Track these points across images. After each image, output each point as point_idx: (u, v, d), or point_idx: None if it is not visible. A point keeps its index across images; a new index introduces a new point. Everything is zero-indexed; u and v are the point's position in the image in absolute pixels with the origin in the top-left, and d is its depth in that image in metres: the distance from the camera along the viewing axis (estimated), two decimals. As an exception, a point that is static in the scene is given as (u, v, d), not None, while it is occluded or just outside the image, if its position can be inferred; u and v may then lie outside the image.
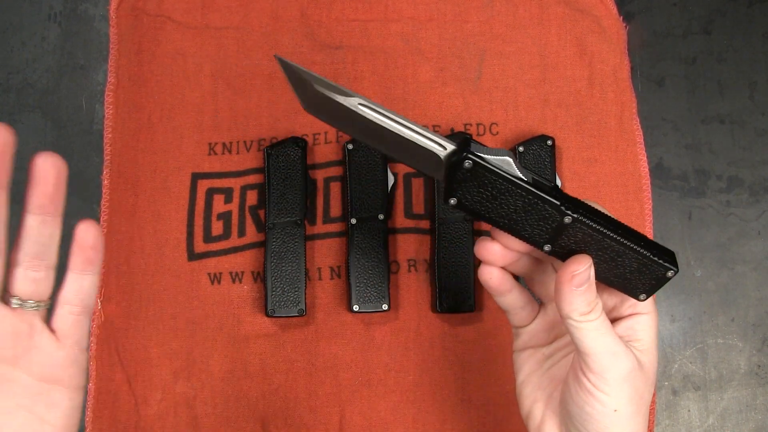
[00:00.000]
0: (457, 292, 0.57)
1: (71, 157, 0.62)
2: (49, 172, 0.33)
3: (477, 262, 0.59)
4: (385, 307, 0.57)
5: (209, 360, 0.58)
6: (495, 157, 0.33)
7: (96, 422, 0.58)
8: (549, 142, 0.58)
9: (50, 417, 0.32)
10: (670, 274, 0.36)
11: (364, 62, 0.62)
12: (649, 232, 0.60)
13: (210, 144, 0.61)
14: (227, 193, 0.60)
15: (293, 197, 0.58)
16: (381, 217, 0.57)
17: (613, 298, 0.38)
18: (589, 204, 0.36)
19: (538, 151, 0.58)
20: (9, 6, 0.64)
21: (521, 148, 0.58)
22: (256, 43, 0.62)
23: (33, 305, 0.32)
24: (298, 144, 0.58)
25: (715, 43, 0.63)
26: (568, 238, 0.35)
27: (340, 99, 0.34)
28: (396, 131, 0.34)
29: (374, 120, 0.34)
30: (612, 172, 0.60)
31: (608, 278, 0.37)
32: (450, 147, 0.34)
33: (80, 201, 0.61)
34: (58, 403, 0.32)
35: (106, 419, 0.58)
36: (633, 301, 0.37)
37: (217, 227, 0.60)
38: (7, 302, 0.31)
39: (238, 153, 0.61)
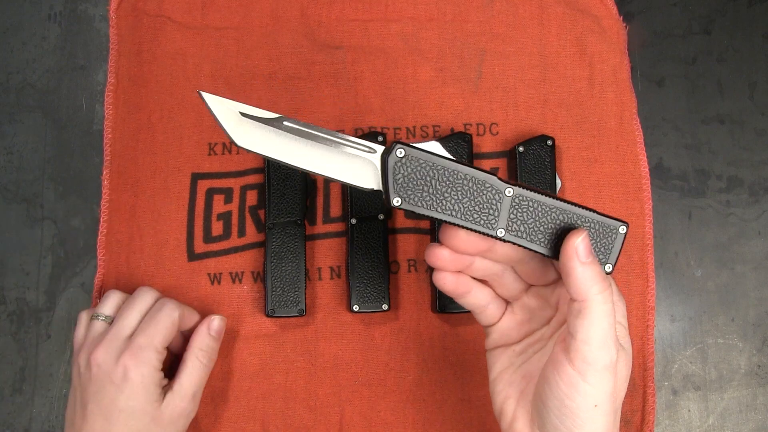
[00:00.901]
0: (457, 292, 0.57)
1: (71, 157, 0.62)
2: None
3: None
4: (385, 307, 0.57)
5: (209, 360, 0.58)
6: (423, 143, 0.35)
7: (96, 422, 0.58)
8: (549, 142, 0.58)
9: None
10: (622, 229, 0.36)
11: (364, 62, 0.62)
12: (649, 232, 0.60)
13: (210, 144, 0.61)
14: (227, 193, 0.60)
15: (293, 197, 0.58)
16: (381, 217, 0.57)
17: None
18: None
19: (538, 151, 0.58)
20: (9, 6, 0.64)
21: (521, 148, 0.58)
22: (256, 43, 0.62)
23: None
24: (298, 144, 0.58)
25: (715, 43, 0.63)
26: (517, 216, 0.35)
27: (268, 121, 0.35)
28: (325, 142, 0.34)
29: (302, 134, 0.35)
30: (612, 172, 0.60)
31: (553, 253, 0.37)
32: (379, 148, 0.35)
33: (80, 201, 0.61)
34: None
35: (106, 419, 0.58)
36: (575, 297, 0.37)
37: (217, 227, 0.60)
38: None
39: (238, 153, 0.61)
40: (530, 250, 0.36)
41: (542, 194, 0.35)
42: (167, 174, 0.60)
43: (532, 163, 0.58)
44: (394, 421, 0.58)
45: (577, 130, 0.61)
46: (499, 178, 0.35)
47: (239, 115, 0.34)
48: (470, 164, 0.35)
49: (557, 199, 0.36)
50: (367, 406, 0.58)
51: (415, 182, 0.34)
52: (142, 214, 0.60)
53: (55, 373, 0.59)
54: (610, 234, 0.36)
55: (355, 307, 0.56)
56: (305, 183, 0.58)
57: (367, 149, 0.35)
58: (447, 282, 0.40)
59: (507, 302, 0.43)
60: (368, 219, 0.58)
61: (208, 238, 0.60)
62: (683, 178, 0.61)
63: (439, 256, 0.38)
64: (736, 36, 0.63)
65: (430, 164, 0.34)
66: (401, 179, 0.34)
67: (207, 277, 0.59)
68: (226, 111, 0.34)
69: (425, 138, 0.61)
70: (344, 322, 0.59)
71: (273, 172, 0.58)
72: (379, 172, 0.34)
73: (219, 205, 0.60)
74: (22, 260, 0.60)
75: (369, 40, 0.62)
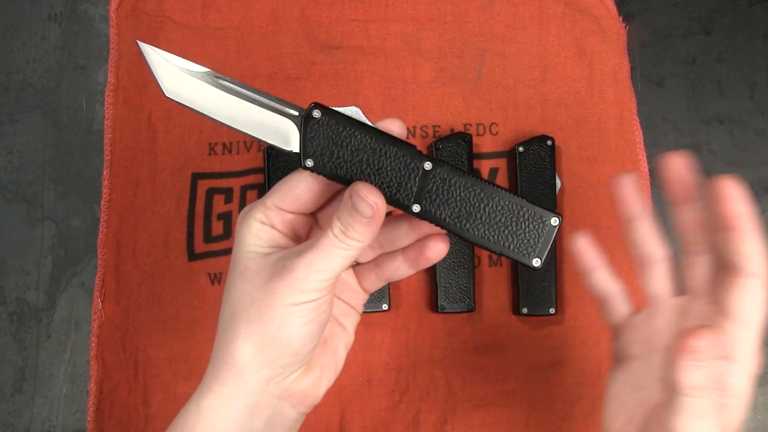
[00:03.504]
0: (457, 292, 0.57)
1: (71, 157, 0.62)
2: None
3: (477, 263, 0.59)
4: (385, 307, 0.57)
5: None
6: (343, 108, 0.34)
7: (97, 422, 0.58)
8: (549, 142, 0.58)
9: (346, 323, 0.40)
10: (553, 221, 0.34)
11: (364, 62, 0.62)
12: (648, 232, 0.60)
13: (210, 144, 0.61)
14: (227, 193, 0.60)
15: (293, 197, 0.58)
16: (381, 217, 0.57)
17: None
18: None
19: (538, 151, 0.58)
20: (9, 6, 0.64)
21: (521, 148, 0.58)
22: (256, 43, 0.62)
23: None
24: (298, 144, 0.58)
25: (715, 43, 0.63)
26: (435, 192, 0.34)
27: (194, 73, 0.34)
28: (247, 99, 0.34)
29: (227, 90, 0.34)
30: (612, 172, 0.60)
31: (492, 240, 0.34)
32: (302, 111, 0.34)
33: (80, 201, 0.61)
34: (352, 317, 0.40)
35: (107, 419, 0.58)
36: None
37: (217, 227, 0.60)
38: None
39: (238, 153, 0.61)
40: (448, 231, 0.35)
41: (466, 175, 0.34)
42: (167, 174, 0.60)
43: (532, 163, 0.58)
44: (393, 421, 0.58)
45: (577, 130, 0.61)
46: (420, 153, 0.34)
47: (173, 66, 0.34)
48: (389, 135, 0.34)
49: (486, 182, 0.34)
50: (367, 406, 0.58)
51: (330, 146, 0.34)
52: (142, 214, 0.60)
53: (55, 373, 0.59)
54: (540, 225, 0.34)
55: (355, 307, 0.56)
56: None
57: (289, 109, 0.34)
58: (580, 244, 0.39)
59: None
60: (368, 219, 0.58)
61: (208, 237, 0.60)
62: (683, 178, 0.61)
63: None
64: (736, 36, 0.63)
65: (347, 130, 0.33)
66: (316, 142, 0.34)
67: (207, 277, 0.59)
68: (161, 62, 0.34)
69: (425, 138, 0.61)
70: (344, 322, 0.59)
71: (273, 172, 0.58)
72: (298, 132, 0.34)
73: (219, 205, 0.60)
74: (22, 260, 0.60)
75: (369, 40, 0.62)
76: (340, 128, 0.33)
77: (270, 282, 0.34)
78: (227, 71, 0.61)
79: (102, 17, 0.64)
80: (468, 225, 0.34)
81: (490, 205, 0.34)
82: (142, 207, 0.60)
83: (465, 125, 0.61)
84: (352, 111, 0.34)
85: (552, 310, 0.57)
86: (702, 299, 0.36)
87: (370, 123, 0.34)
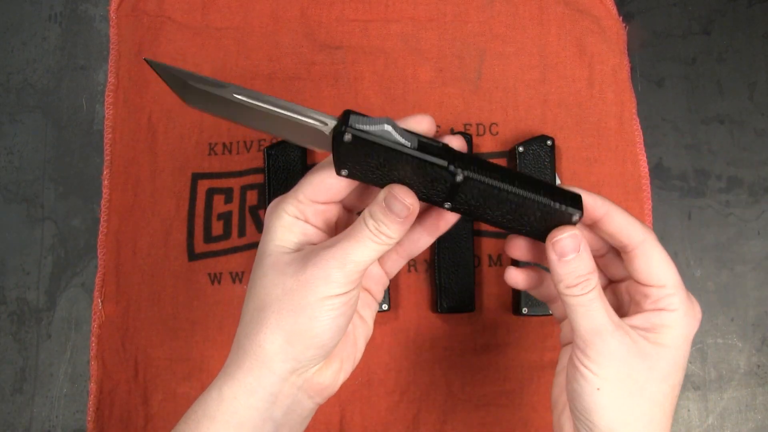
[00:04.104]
0: (457, 292, 0.57)
1: (71, 157, 0.62)
2: None
3: (477, 263, 0.59)
4: (385, 307, 0.57)
5: (209, 360, 0.58)
6: (374, 126, 0.33)
7: (97, 422, 0.58)
8: (549, 142, 0.58)
9: (366, 314, 0.41)
10: (575, 218, 0.36)
11: (364, 62, 0.62)
12: (648, 232, 0.60)
13: (210, 144, 0.61)
14: (227, 193, 0.60)
15: (293, 197, 0.58)
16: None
17: (641, 290, 0.38)
18: (485, 160, 0.35)
19: (538, 151, 0.58)
20: (9, 6, 0.64)
21: (521, 148, 0.58)
22: (256, 43, 0.62)
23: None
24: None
25: (715, 43, 0.63)
26: (466, 195, 0.35)
27: (216, 91, 0.34)
28: (276, 114, 0.34)
29: (252, 107, 0.34)
30: (612, 172, 0.60)
31: (518, 230, 0.37)
32: (331, 122, 0.34)
33: (80, 201, 0.61)
34: (372, 307, 0.41)
35: (107, 419, 0.58)
36: (662, 295, 0.37)
37: (217, 227, 0.60)
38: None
39: (238, 153, 0.61)
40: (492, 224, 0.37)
41: (497, 177, 0.35)
42: (167, 174, 0.60)
43: (532, 163, 0.58)
44: (393, 421, 0.58)
45: (577, 130, 0.61)
46: (451, 155, 0.34)
47: (186, 83, 0.34)
48: (420, 145, 0.34)
49: (513, 178, 0.35)
50: (367, 406, 0.58)
51: (363, 159, 0.34)
52: (142, 214, 0.60)
53: (55, 373, 0.59)
54: (561, 218, 0.36)
55: (355, 307, 0.56)
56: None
57: (318, 122, 0.34)
58: (519, 281, 0.40)
59: None
60: (368, 219, 0.58)
61: (208, 237, 0.60)
62: (683, 178, 0.61)
63: (517, 245, 0.39)
64: (735, 36, 0.63)
65: (380, 149, 0.33)
66: (349, 157, 0.34)
67: (207, 277, 0.59)
68: (174, 79, 0.34)
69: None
70: (344, 322, 0.59)
71: (273, 172, 0.58)
72: (330, 143, 0.34)
73: (219, 205, 0.60)
74: (23, 260, 0.60)
75: (369, 41, 0.62)
76: (372, 149, 0.33)
77: (304, 273, 0.34)
78: (227, 71, 0.62)
79: (102, 17, 0.64)
80: (498, 221, 0.36)
81: (517, 207, 0.35)
82: (142, 207, 0.60)
83: (465, 125, 0.61)
84: (384, 129, 0.33)
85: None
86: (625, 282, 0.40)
87: (401, 140, 0.34)
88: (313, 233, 0.37)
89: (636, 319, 0.37)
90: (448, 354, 0.58)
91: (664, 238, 0.60)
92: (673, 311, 0.37)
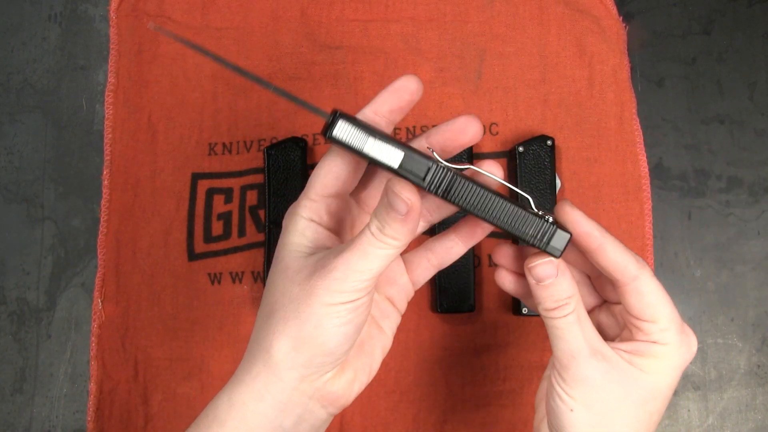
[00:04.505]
0: (457, 292, 0.57)
1: (71, 157, 0.62)
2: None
3: (477, 263, 0.59)
4: (385, 307, 0.57)
5: (209, 360, 0.58)
6: (357, 141, 0.34)
7: (97, 422, 0.58)
8: (549, 142, 0.58)
9: (385, 325, 0.40)
10: (556, 256, 0.35)
11: (364, 62, 0.62)
12: (648, 232, 0.60)
13: (210, 144, 0.61)
14: (227, 193, 0.60)
15: (293, 197, 0.58)
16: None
17: (633, 322, 0.37)
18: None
19: (538, 151, 0.58)
20: (9, 6, 0.64)
21: (521, 148, 0.58)
22: (256, 43, 0.62)
23: None
24: (298, 144, 0.58)
25: (715, 43, 0.63)
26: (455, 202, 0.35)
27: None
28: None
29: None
30: (612, 172, 0.60)
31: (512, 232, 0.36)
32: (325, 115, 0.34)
33: (80, 201, 0.61)
34: (392, 318, 0.40)
35: (107, 419, 0.58)
36: (654, 330, 0.36)
37: (217, 227, 0.60)
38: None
39: (238, 153, 0.61)
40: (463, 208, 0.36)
41: (478, 206, 0.35)
42: (167, 174, 0.60)
43: (532, 163, 0.58)
44: (393, 421, 0.58)
45: (577, 130, 0.61)
46: (430, 186, 0.34)
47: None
48: (407, 165, 0.34)
49: (494, 211, 0.35)
50: (367, 406, 0.58)
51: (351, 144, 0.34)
52: (142, 214, 0.60)
53: (55, 373, 0.59)
54: (540, 225, 0.35)
55: (355, 307, 0.56)
56: (305, 183, 0.58)
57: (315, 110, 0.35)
58: (506, 282, 0.40)
59: None
60: (368, 219, 0.58)
61: (208, 237, 0.60)
62: (683, 178, 0.61)
63: (505, 253, 0.39)
64: (735, 36, 0.63)
65: (364, 155, 0.34)
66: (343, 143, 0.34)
67: (207, 277, 0.59)
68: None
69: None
70: (344, 322, 0.59)
71: (273, 172, 0.58)
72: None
73: (219, 205, 0.60)
74: (22, 260, 0.60)
75: (369, 41, 0.62)
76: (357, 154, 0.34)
77: (309, 280, 0.34)
78: (227, 71, 0.61)
79: (102, 17, 0.64)
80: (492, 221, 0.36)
81: (501, 212, 0.35)
82: (142, 207, 0.60)
83: (465, 125, 0.61)
84: (365, 147, 0.34)
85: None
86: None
87: (381, 158, 0.34)
88: (326, 236, 0.37)
89: (625, 345, 0.37)
90: (448, 354, 0.58)
91: (664, 238, 0.60)
92: (664, 345, 0.36)
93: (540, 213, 0.35)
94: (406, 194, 0.32)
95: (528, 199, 0.36)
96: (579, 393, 0.36)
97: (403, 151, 0.34)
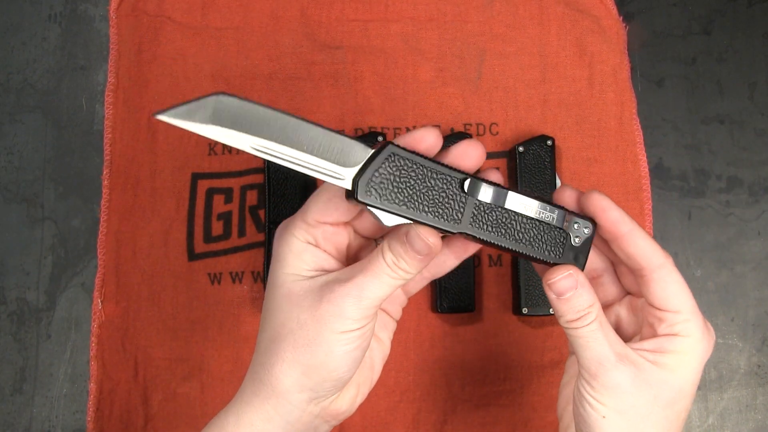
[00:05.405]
0: (457, 292, 0.57)
1: (71, 157, 0.62)
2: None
3: (477, 263, 0.59)
4: (385, 307, 0.57)
5: (209, 360, 0.58)
6: (385, 212, 0.34)
7: (97, 422, 0.58)
8: (549, 142, 0.58)
9: (383, 336, 0.40)
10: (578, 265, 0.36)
11: (364, 62, 0.62)
12: (649, 232, 0.60)
13: (210, 144, 0.61)
14: (227, 193, 0.60)
15: (293, 197, 0.58)
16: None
17: (655, 313, 0.37)
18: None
19: (538, 151, 0.58)
20: (9, 6, 0.64)
21: (521, 148, 0.58)
22: (256, 43, 0.62)
23: None
24: (298, 144, 0.58)
25: (715, 43, 0.63)
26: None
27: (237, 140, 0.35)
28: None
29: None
30: (612, 172, 0.60)
31: (530, 255, 0.37)
32: (349, 174, 0.34)
33: (80, 201, 0.61)
34: (389, 327, 0.41)
35: (107, 419, 0.58)
36: (677, 320, 0.36)
37: (217, 227, 0.60)
38: None
39: (238, 153, 0.61)
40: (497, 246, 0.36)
41: (501, 235, 0.35)
42: (167, 174, 0.60)
43: (532, 163, 0.58)
44: (393, 421, 0.58)
45: (577, 130, 0.61)
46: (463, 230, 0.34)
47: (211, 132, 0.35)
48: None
49: (515, 236, 0.35)
50: (367, 406, 0.58)
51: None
52: (142, 214, 0.60)
53: (55, 373, 0.59)
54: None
55: (355, 307, 0.56)
56: (305, 183, 0.58)
57: (334, 176, 0.34)
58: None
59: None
60: (368, 219, 0.58)
61: (208, 237, 0.60)
62: (683, 178, 0.61)
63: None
64: (735, 36, 0.63)
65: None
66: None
67: (207, 277, 0.59)
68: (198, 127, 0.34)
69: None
70: (344, 322, 0.59)
71: (273, 172, 0.58)
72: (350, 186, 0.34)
73: (219, 205, 0.60)
74: (22, 260, 0.60)
75: (369, 40, 0.62)
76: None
77: (319, 308, 0.34)
78: (227, 71, 0.62)
79: (102, 17, 0.64)
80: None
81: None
82: (142, 207, 0.60)
83: (465, 125, 0.61)
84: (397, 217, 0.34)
85: (552, 310, 0.57)
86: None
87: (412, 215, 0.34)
88: (324, 259, 0.37)
89: (647, 344, 0.37)
90: (448, 354, 0.58)
91: (664, 238, 0.60)
92: (687, 337, 0.36)
93: (555, 215, 0.36)
94: (433, 239, 0.34)
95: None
96: (609, 400, 0.35)
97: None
